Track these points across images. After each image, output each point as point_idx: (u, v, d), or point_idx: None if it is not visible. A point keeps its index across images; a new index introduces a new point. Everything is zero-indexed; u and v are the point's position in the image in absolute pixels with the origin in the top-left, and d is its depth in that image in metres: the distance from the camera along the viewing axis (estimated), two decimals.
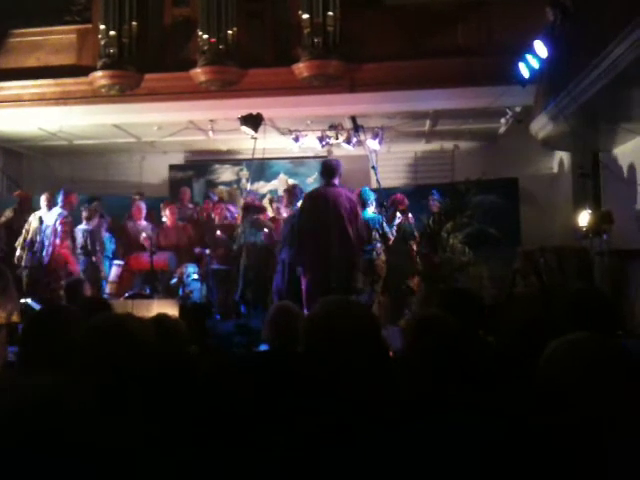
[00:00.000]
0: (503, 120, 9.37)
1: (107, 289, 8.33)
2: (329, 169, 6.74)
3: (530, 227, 9.49)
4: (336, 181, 6.70)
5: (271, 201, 10.47)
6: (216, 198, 9.95)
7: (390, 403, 1.65)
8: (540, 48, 7.23)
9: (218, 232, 8.63)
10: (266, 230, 8.46)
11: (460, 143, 11.17)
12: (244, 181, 11.30)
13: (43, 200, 8.56)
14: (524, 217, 9.77)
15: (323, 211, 6.49)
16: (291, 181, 11.10)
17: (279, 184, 11.23)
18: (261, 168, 11.15)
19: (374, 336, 1.72)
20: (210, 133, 9.88)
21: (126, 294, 7.76)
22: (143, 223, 9.20)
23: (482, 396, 2.02)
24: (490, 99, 8.36)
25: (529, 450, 1.55)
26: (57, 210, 8.27)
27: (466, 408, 1.74)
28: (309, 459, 1.56)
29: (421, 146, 11.34)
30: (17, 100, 9.46)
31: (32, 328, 2.40)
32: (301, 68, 8.88)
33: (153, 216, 9.58)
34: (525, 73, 7.65)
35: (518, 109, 8.93)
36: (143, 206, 9.38)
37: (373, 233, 7.33)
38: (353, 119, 8.73)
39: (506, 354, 2.75)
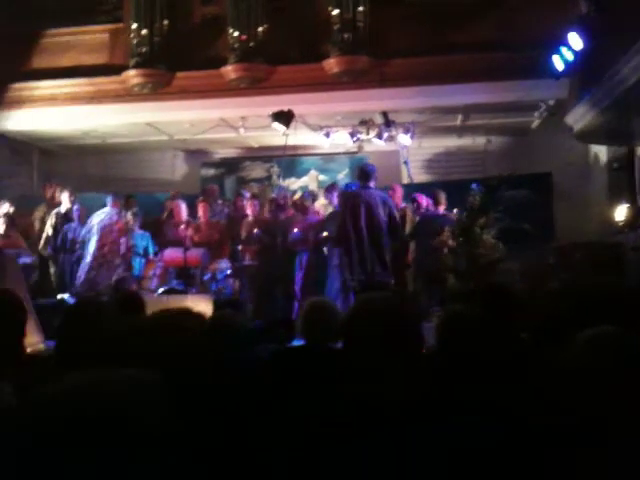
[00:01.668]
0: (536, 114, 9.26)
1: (141, 285, 8.39)
2: (364, 173, 7.33)
3: (564, 222, 9.35)
4: (371, 184, 7.26)
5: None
6: (248, 195, 9.96)
7: (403, 402, 1.63)
8: (574, 40, 7.13)
9: (256, 230, 8.64)
10: (295, 230, 8.49)
11: (492, 137, 11.04)
12: (275, 178, 11.32)
13: (65, 197, 8.77)
14: (558, 212, 9.64)
15: (356, 211, 7.05)
16: (322, 177, 11.11)
17: (310, 180, 11.23)
18: (292, 164, 11.17)
19: (410, 333, 1.71)
20: (241, 130, 9.92)
21: (160, 290, 7.84)
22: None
23: (500, 395, 2.00)
24: (522, 93, 8.27)
25: (530, 451, 1.53)
26: (108, 210, 8.48)
27: (480, 408, 1.73)
28: (313, 458, 1.56)
29: (453, 141, 11.24)
30: (51, 99, 9.60)
31: (67, 322, 2.44)
32: (331, 64, 8.87)
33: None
34: (559, 66, 7.55)
35: (552, 102, 8.82)
36: (183, 204, 9.42)
37: (447, 230, 7.66)
38: (384, 114, 8.71)
39: (534, 350, 2.72)
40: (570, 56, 7.35)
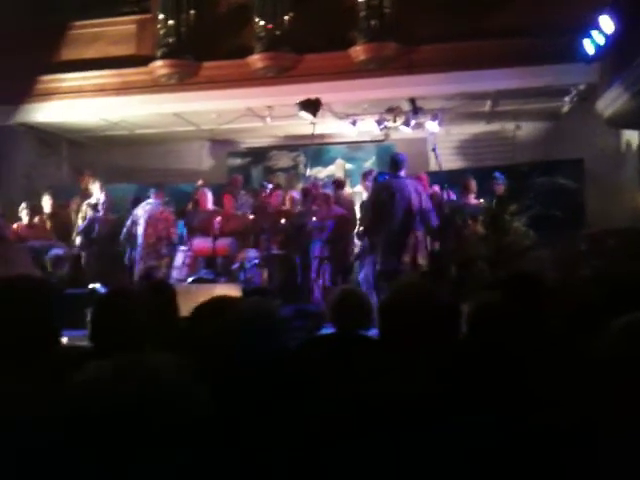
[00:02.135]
0: (567, 99, 9.12)
1: (174, 274, 8.45)
2: (395, 162, 7.39)
3: (595, 209, 9.21)
4: (402, 173, 7.29)
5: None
6: (270, 186, 9.96)
7: (430, 395, 1.61)
8: (606, 23, 6.99)
9: (283, 220, 8.67)
10: (314, 219, 8.51)
11: (522, 123, 10.89)
12: (301, 167, 11.31)
13: (96, 188, 9.00)
14: (589, 199, 9.50)
15: (388, 202, 7.09)
16: (348, 166, 11.07)
17: (336, 169, 11.19)
18: (318, 153, 11.14)
19: (446, 322, 1.69)
20: (268, 119, 9.90)
21: (189, 279, 7.89)
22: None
23: (528, 387, 1.97)
24: (552, 77, 8.16)
25: (532, 451, 1.50)
26: (153, 201, 8.62)
27: (501, 403, 1.70)
28: (313, 457, 1.55)
29: (481, 127, 11.11)
30: (79, 91, 9.68)
31: (100, 310, 2.47)
32: (358, 51, 8.82)
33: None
34: (590, 50, 7.42)
35: (582, 87, 8.68)
36: (209, 193, 9.44)
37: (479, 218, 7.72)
38: (412, 101, 8.64)
39: (566, 339, 2.68)
40: (601, 40, 7.22)
